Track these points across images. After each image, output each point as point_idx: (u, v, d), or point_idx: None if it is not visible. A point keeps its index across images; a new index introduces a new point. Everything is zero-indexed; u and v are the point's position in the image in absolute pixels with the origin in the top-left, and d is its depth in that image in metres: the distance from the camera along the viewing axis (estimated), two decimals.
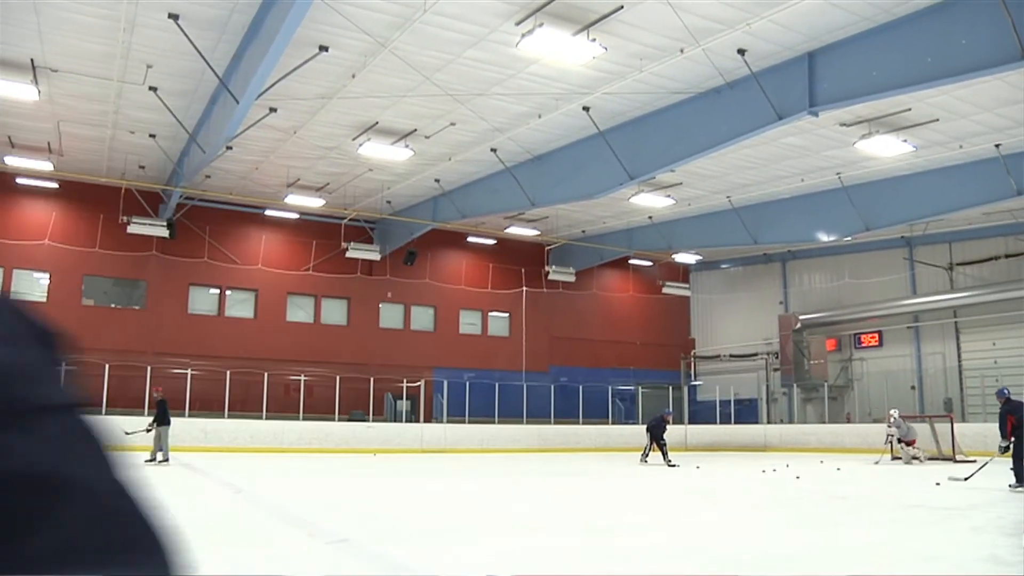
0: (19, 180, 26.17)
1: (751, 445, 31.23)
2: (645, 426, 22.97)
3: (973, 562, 7.12)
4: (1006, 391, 14.46)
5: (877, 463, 22.29)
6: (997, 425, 14.11)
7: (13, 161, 23.62)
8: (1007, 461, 13.97)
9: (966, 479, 14.11)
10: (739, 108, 17.83)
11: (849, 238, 28.29)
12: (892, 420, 22.83)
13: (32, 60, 17.42)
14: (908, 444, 22.61)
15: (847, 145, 21.33)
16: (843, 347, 34.84)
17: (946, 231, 30.40)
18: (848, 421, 32.14)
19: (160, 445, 19.00)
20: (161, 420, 19.14)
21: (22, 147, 23.48)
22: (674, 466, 21.20)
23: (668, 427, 22.68)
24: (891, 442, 22.99)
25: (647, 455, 22.52)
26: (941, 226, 29.55)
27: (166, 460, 18.89)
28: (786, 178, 25.02)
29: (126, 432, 19.69)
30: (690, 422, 33.11)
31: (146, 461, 18.50)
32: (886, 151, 21.07)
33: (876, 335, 33.66)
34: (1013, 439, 13.52)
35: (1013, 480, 13.57)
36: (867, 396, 32.99)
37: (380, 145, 21.86)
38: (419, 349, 32.59)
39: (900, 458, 22.72)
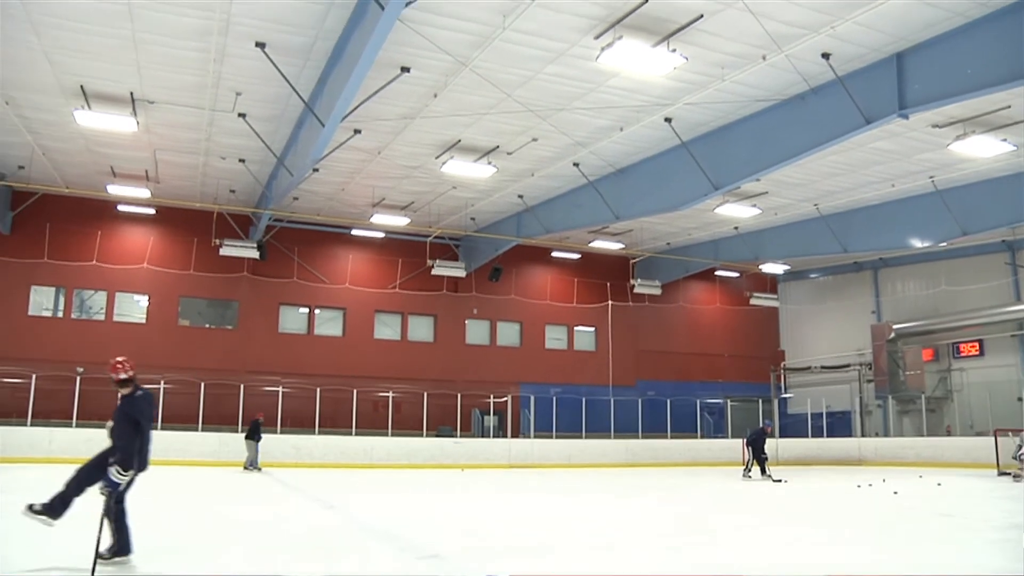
0: (120, 207, 27.37)
1: (845, 459, 30.35)
2: (744, 440, 22.35)
3: None
4: None
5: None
6: None
7: (115, 189, 24.77)
8: None
9: None
10: (825, 113, 17.40)
11: (945, 244, 27.32)
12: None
13: (131, 93, 18.22)
14: None
15: (941, 147, 20.61)
16: (940, 357, 33.53)
17: None
18: (948, 434, 30.93)
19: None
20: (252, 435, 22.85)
21: (122, 175, 24.57)
22: (779, 481, 20.57)
23: (768, 440, 22.12)
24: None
25: (749, 470, 21.99)
26: None
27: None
28: (876, 184, 24.31)
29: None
30: (781, 436, 32.30)
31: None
32: (983, 152, 20.26)
33: (976, 344, 32.29)
34: None
35: None
36: (968, 408, 31.69)
37: (463, 163, 22.05)
38: (505, 365, 32.70)
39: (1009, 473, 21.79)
